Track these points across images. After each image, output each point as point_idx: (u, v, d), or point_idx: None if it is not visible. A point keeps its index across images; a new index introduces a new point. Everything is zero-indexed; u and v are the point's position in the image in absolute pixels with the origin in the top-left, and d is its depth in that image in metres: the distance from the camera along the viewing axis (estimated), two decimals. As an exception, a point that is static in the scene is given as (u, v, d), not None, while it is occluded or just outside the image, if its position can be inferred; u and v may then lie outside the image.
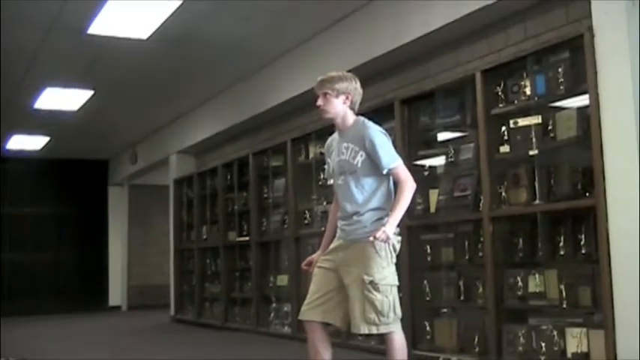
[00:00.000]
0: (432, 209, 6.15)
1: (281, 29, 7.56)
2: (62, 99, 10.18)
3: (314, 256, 4.01)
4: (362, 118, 3.84)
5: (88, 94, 9.97)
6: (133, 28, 7.35)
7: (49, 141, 13.16)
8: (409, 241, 6.16)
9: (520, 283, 5.26)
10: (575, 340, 4.83)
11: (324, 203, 7.71)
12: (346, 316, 3.68)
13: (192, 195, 11.36)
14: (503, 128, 5.43)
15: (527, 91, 5.29)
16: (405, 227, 6.09)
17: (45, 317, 12.76)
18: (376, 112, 6.59)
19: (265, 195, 9.15)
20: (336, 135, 3.91)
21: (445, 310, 6.09)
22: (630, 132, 4.45)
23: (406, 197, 3.64)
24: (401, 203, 3.62)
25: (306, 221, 8.08)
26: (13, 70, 8.58)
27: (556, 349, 4.93)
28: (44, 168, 14.66)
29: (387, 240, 3.52)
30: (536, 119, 5.17)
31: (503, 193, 5.45)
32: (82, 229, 15.21)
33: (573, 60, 4.96)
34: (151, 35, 7.49)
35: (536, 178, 5.17)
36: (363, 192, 3.70)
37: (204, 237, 10.94)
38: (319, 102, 3.81)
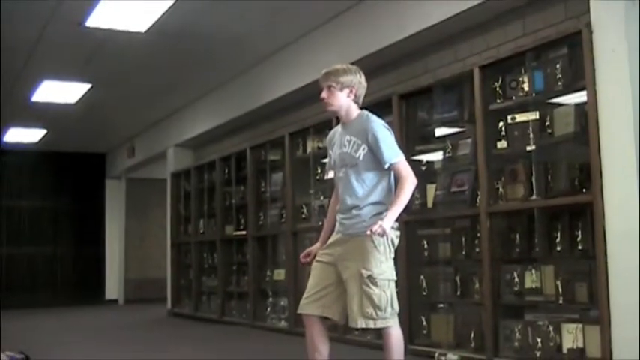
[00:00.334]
0: (430, 204, 6.16)
1: (279, 24, 7.56)
2: (60, 92, 10.17)
3: (312, 247, 4.00)
4: (366, 112, 3.84)
5: (85, 87, 9.97)
6: (131, 21, 7.34)
7: (47, 134, 13.15)
8: (406, 236, 6.16)
9: (517, 279, 5.27)
10: (570, 335, 4.84)
11: (322, 198, 7.72)
12: (344, 310, 3.67)
13: (190, 189, 11.35)
14: (501, 124, 5.43)
15: (525, 87, 5.29)
16: (403, 222, 6.07)
17: (42, 310, 12.76)
18: (374, 107, 6.55)
19: (263, 189, 9.16)
20: (339, 127, 3.90)
21: (442, 305, 6.10)
22: (627, 129, 4.45)
23: (406, 193, 3.63)
24: (400, 198, 3.61)
25: (303, 216, 8.08)
26: (10, 62, 8.56)
27: (552, 344, 4.95)
28: (41, 161, 14.68)
29: (383, 234, 3.51)
30: (533, 115, 5.18)
31: (501, 189, 5.45)
32: (79, 222, 15.22)
33: (571, 56, 4.96)
34: (149, 28, 7.48)
35: (534, 174, 5.18)
36: (364, 186, 3.69)
37: (202, 231, 10.94)
38: (323, 94, 3.79)
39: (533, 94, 5.22)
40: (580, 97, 4.85)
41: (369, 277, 3.57)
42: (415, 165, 6.26)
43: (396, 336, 3.68)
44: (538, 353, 5.02)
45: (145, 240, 15.27)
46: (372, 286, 3.57)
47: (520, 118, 5.26)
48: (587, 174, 4.75)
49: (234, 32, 7.79)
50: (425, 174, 6.27)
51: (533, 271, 5.16)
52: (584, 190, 4.82)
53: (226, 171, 10.13)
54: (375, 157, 3.68)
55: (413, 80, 6.66)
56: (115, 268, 15.29)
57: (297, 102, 8.57)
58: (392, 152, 3.69)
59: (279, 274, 8.57)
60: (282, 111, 9.03)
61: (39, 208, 14.95)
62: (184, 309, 11.33)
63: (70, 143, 14.28)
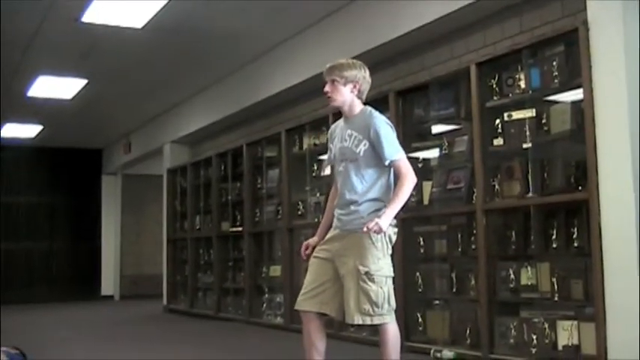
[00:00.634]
0: (426, 201, 6.16)
1: (276, 20, 7.55)
2: (56, 87, 10.15)
3: (310, 240, 4.00)
4: (369, 108, 3.82)
5: (82, 82, 9.95)
6: (128, 17, 7.33)
7: (43, 129, 13.13)
8: (402, 233, 6.13)
9: (512, 276, 5.27)
10: (566, 332, 4.85)
11: (318, 194, 7.72)
12: (342, 306, 3.66)
13: (186, 185, 11.36)
14: (498, 121, 5.44)
15: (522, 84, 5.29)
16: (399, 219, 6.08)
17: (38, 306, 12.76)
18: (371, 104, 6.59)
19: (259, 185, 9.15)
20: (341, 121, 3.89)
21: (437, 302, 6.10)
22: (623, 126, 4.46)
23: (405, 190, 3.62)
24: (399, 196, 3.60)
25: (299, 212, 8.08)
26: (6, 58, 8.54)
27: (547, 341, 4.96)
28: (38, 157, 14.66)
29: (379, 232, 3.51)
30: (530, 112, 5.18)
31: (497, 186, 5.46)
32: (75, 218, 15.20)
33: (568, 54, 4.96)
34: (146, 25, 7.47)
35: (530, 171, 5.19)
36: (363, 181, 3.68)
37: (198, 227, 10.94)
38: (326, 88, 3.78)
39: (530, 92, 5.22)
40: (576, 94, 4.85)
41: (367, 273, 3.57)
42: (411, 162, 6.18)
43: (392, 332, 3.68)
44: (533, 350, 5.03)
45: (140, 236, 15.28)
46: (369, 283, 3.57)
47: (516, 115, 5.26)
48: (583, 171, 4.75)
49: (231, 29, 7.78)
50: (421, 171, 6.26)
51: (529, 268, 5.17)
52: (580, 188, 4.83)
53: (222, 167, 10.13)
54: (376, 153, 3.66)
55: (409, 77, 6.66)
56: (111, 264, 15.27)
57: (293, 99, 8.57)
58: (393, 149, 3.68)
59: (275, 270, 8.57)
60: (278, 107, 9.02)
61: (35, 203, 14.92)
62: (180, 305, 11.34)
63: (66, 139, 14.26)
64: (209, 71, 9.54)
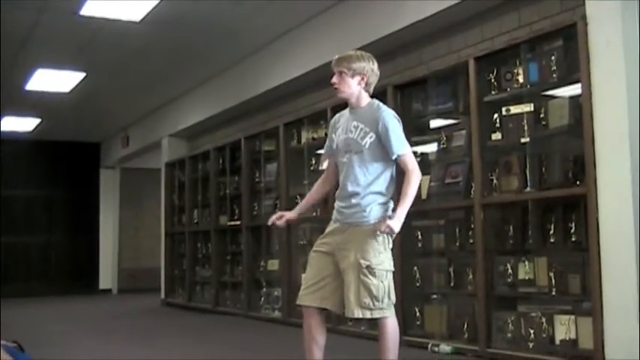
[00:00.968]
0: (424, 196, 6.15)
1: (274, 13, 7.53)
2: (54, 81, 10.15)
3: (285, 212, 3.98)
4: (377, 101, 3.82)
5: (80, 76, 9.94)
6: (126, 10, 7.32)
7: (41, 123, 13.12)
8: (401, 227, 6.17)
9: (510, 271, 5.29)
10: (563, 327, 4.87)
11: (316, 188, 7.71)
12: (342, 301, 3.66)
13: (184, 178, 11.35)
14: (496, 116, 5.44)
15: (520, 78, 5.29)
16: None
17: (36, 300, 12.77)
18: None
19: (257, 179, 9.15)
20: (346, 112, 3.86)
21: (435, 296, 6.11)
22: (622, 121, 4.46)
23: (413, 187, 3.63)
24: (408, 194, 3.60)
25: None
26: (4, 51, 8.52)
27: (544, 335, 4.97)
28: (35, 150, 14.64)
29: (391, 233, 3.55)
30: (528, 107, 5.18)
31: (495, 181, 5.46)
32: (73, 211, 15.19)
33: (566, 49, 4.96)
34: (144, 18, 7.46)
35: (528, 165, 5.19)
36: (367, 174, 3.67)
37: (196, 221, 10.94)
38: (334, 80, 3.76)
39: (528, 86, 5.22)
40: (575, 89, 4.86)
41: (368, 267, 3.56)
42: (410, 156, 6.27)
43: (392, 327, 3.68)
44: (531, 344, 5.04)
45: (138, 230, 15.28)
46: (370, 277, 3.56)
47: (515, 110, 5.27)
48: (581, 166, 4.76)
49: (229, 22, 7.77)
50: (419, 165, 6.23)
51: (527, 263, 5.17)
52: (578, 183, 4.83)
53: (221, 161, 10.12)
54: (382, 147, 3.66)
55: (408, 71, 6.66)
56: (109, 257, 15.27)
57: (291, 92, 8.56)
58: (400, 144, 3.67)
59: (273, 264, 8.57)
60: (276, 101, 9.02)
61: (33, 197, 14.91)
62: (178, 299, 11.34)
63: (64, 132, 14.24)
64: (207, 65, 9.53)
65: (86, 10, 7.20)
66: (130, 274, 15.13)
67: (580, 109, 4.75)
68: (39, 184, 14.96)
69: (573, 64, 4.85)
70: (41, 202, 15.02)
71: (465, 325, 5.66)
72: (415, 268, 6.19)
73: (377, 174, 3.68)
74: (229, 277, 9.78)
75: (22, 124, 13.21)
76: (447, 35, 6.32)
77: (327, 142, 4.00)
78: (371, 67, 3.76)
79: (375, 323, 3.74)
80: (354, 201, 3.67)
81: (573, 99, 4.92)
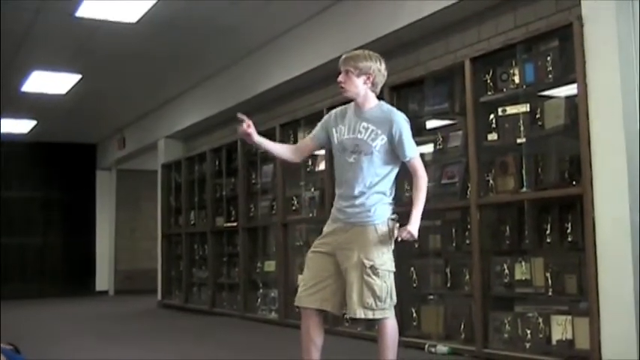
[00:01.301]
0: (420, 196, 6.15)
1: (271, 14, 7.53)
2: (50, 82, 10.13)
3: (254, 134, 3.92)
4: (385, 103, 3.84)
5: (76, 77, 9.93)
6: (122, 12, 7.31)
7: (37, 124, 13.10)
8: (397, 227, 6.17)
9: (506, 271, 5.28)
10: (560, 327, 4.87)
11: (312, 190, 7.72)
12: (342, 302, 3.66)
13: (181, 180, 11.33)
14: (492, 116, 5.44)
15: (516, 79, 5.29)
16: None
17: (32, 302, 12.74)
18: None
19: (253, 181, 9.15)
20: (348, 110, 3.82)
21: (432, 296, 6.12)
22: (617, 121, 4.46)
23: (424, 191, 3.70)
24: (421, 199, 3.68)
25: (294, 207, 8.08)
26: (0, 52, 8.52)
27: (541, 336, 4.97)
28: (32, 152, 14.61)
29: (412, 239, 3.64)
30: (524, 107, 5.19)
31: (491, 181, 5.46)
32: (69, 213, 15.17)
33: (562, 49, 4.96)
34: (140, 19, 7.46)
35: (524, 166, 5.19)
36: (375, 175, 3.66)
37: (192, 222, 10.93)
38: (340, 78, 3.75)
39: (524, 87, 5.22)
40: (571, 89, 4.86)
41: (372, 267, 3.57)
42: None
43: (392, 327, 3.69)
44: (527, 345, 5.04)
45: (135, 231, 15.26)
46: (374, 277, 3.57)
47: (511, 110, 5.27)
48: (577, 166, 4.76)
49: (226, 23, 7.77)
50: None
51: (523, 263, 5.17)
52: (574, 183, 4.84)
53: (217, 162, 10.12)
54: (391, 150, 3.67)
55: (404, 72, 6.66)
56: (106, 259, 15.26)
57: (288, 93, 8.56)
58: (412, 148, 3.71)
59: (270, 265, 8.57)
60: (273, 102, 9.01)
61: (29, 199, 14.88)
62: (175, 300, 11.33)
63: (60, 134, 14.23)
64: (203, 66, 9.52)
65: (82, 12, 7.20)
66: (127, 276, 15.10)
67: (576, 110, 4.76)
68: (35, 185, 14.94)
69: (569, 64, 4.85)
70: (37, 203, 15.00)
71: (462, 326, 5.66)
72: (412, 268, 6.18)
73: (384, 175, 3.70)
74: (226, 279, 9.77)
75: (18, 126, 13.18)
76: (443, 36, 6.33)
77: (317, 129, 3.94)
78: (377, 67, 3.75)
79: (373, 324, 3.74)
80: (358, 201, 3.66)
81: (569, 99, 4.92)
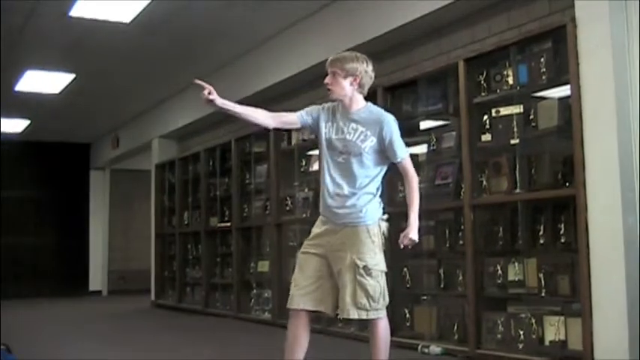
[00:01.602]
0: (414, 197, 6.16)
1: (265, 15, 7.53)
2: (43, 82, 10.11)
3: (217, 98, 3.86)
4: (373, 104, 3.84)
5: (69, 77, 9.91)
6: (116, 12, 7.30)
7: (30, 124, 13.07)
8: (390, 228, 6.16)
9: (500, 272, 5.29)
10: (553, 328, 4.88)
11: (306, 190, 7.72)
12: (335, 303, 3.66)
13: (174, 180, 11.33)
14: (485, 117, 5.45)
15: (510, 80, 5.30)
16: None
17: (24, 302, 12.69)
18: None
19: (247, 181, 9.15)
20: (338, 112, 3.81)
21: (425, 297, 6.12)
22: (610, 123, 4.48)
23: (417, 192, 3.72)
24: (416, 199, 3.70)
25: (287, 208, 8.08)
26: (-7, 52, 8.51)
27: (534, 336, 4.98)
28: (25, 151, 14.55)
29: (414, 243, 3.67)
30: (518, 108, 5.20)
31: (485, 182, 5.47)
32: (62, 213, 15.11)
33: (556, 50, 4.97)
34: (134, 19, 7.45)
35: (517, 167, 5.20)
36: (365, 176, 3.68)
37: (186, 222, 10.93)
38: (327, 80, 3.76)
39: (518, 88, 5.23)
40: (564, 90, 4.88)
41: (365, 267, 3.57)
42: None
43: (384, 327, 3.70)
44: (520, 345, 5.05)
45: (128, 231, 15.24)
46: (367, 277, 3.57)
47: (504, 111, 5.28)
48: (570, 167, 4.77)
49: (220, 24, 7.76)
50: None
51: (516, 264, 5.18)
52: (567, 184, 4.85)
53: (211, 162, 10.11)
54: (380, 151, 3.69)
55: (398, 73, 6.66)
56: (99, 259, 15.23)
57: (282, 93, 8.55)
58: (403, 149, 3.73)
59: (264, 265, 8.57)
60: (267, 102, 8.98)
61: (22, 198, 14.82)
62: (168, 300, 11.32)
63: (53, 133, 14.19)
64: (197, 66, 9.50)
65: (76, 12, 7.18)
66: (120, 276, 15.08)
67: (569, 111, 4.77)
68: (28, 185, 14.87)
69: (562, 65, 4.86)
70: (30, 203, 14.94)
71: (455, 326, 5.67)
72: (405, 269, 6.19)
73: (373, 176, 3.71)
74: (219, 279, 9.76)
75: (12, 126, 13.13)
76: (436, 37, 6.33)
77: (305, 111, 3.87)
78: (364, 69, 3.74)
79: (365, 324, 3.74)
80: (350, 202, 3.66)
81: (562, 100, 4.94)
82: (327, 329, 6.54)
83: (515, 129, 5.18)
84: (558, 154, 5.00)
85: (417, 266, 6.13)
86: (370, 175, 3.69)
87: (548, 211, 5.08)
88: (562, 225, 4.97)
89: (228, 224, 9.41)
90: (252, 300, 8.79)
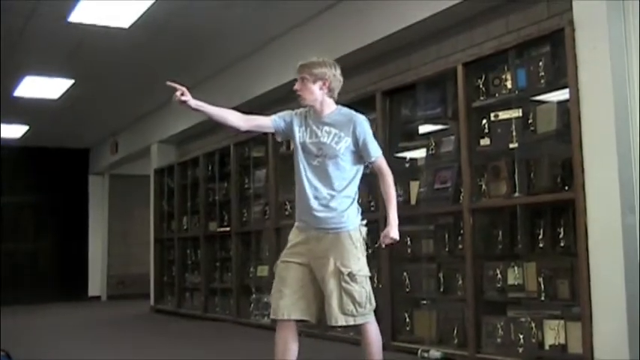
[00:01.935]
0: (413, 201, 6.17)
1: (264, 18, 7.54)
2: (42, 87, 10.10)
3: (190, 100, 3.93)
4: (344, 107, 3.84)
5: (68, 82, 9.91)
6: (115, 17, 7.30)
7: (29, 129, 13.07)
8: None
9: (499, 276, 5.29)
10: (552, 332, 4.87)
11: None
12: (319, 310, 3.65)
13: (173, 185, 11.33)
14: (484, 121, 5.45)
15: (508, 84, 5.31)
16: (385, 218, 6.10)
17: (23, 308, 12.68)
18: (358, 104, 6.58)
19: (246, 185, 9.15)
20: (309, 117, 3.83)
21: (425, 301, 6.11)
22: (609, 126, 4.48)
23: (393, 189, 3.73)
24: (393, 196, 3.72)
25: (286, 212, 8.07)
26: (-8, 57, 8.51)
27: (534, 340, 4.97)
28: (24, 156, 14.55)
29: (395, 242, 3.69)
30: (516, 112, 5.20)
31: (484, 186, 5.47)
32: (61, 218, 15.11)
33: (554, 54, 4.98)
34: (133, 24, 7.45)
35: (516, 170, 5.20)
36: (342, 178, 3.68)
37: (185, 227, 10.92)
38: (296, 86, 3.80)
39: (516, 92, 5.24)
40: (562, 94, 4.88)
41: (349, 274, 3.57)
42: (399, 162, 6.29)
43: (375, 331, 3.71)
44: (520, 349, 5.05)
45: (128, 236, 15.22)
46: (352, 283, 3.57)
47: (503, 115, 5.28)
48: (569, 171, 4.77)
49: (219, 28, 7.77)
50: (408, 171, 6.29)
51: (516, 268, 5.18)
52: (566, 187, 4.84)
53: (210, 167, 10.11)
54: (354, 151, 3.70)
55: (396, 77, 6.67)
56: (98, 264, 15.22)
57: (280, 98, 8.53)
58: (376, 147, 3.74)
59: (263, 270, 8.56)
60: (265, 107, 8.99)
61: (21, 203, 14.81)
62: (167, 305, 11.31)
63: (52, 139, 14.19)
64: (196, 71, 9.51)
65: (75, 17, 7.18)
66: (119, 281, 15.07)
67: (568, 114, 4.77)
68: (27, 190, 14.87)
69: (561, 69, 4.87)
70: (29, 208, 14.94)
71: (455, 331, 5.66)
72: (404, 273, 6.19)
73: (350, 178, 3.72)
74: (219, 284, 9.75)
75: (10, 131, 13.12)
76: (435, 41, 6.34)
77: (279, 116, 3.95)
78: (333, 73, 3.76)
79: (359, 329, 3.74)
80: (331, 205, 3.66)
81: (561, 104, 4.94)
82: (326, 334, 6.52)
83: (514, 133, 5.18)
84: (557, 157, 5.00)
85: (417, 270, 6.13)
86: (347, 177, 3.70)
87: (548, 214, 5.08)
88: (561, 229, 4.97)
89: (228, 229, 9.40)
90: (252, 305, 8.78)
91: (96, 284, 15.21)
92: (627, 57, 4.58)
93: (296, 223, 3.85)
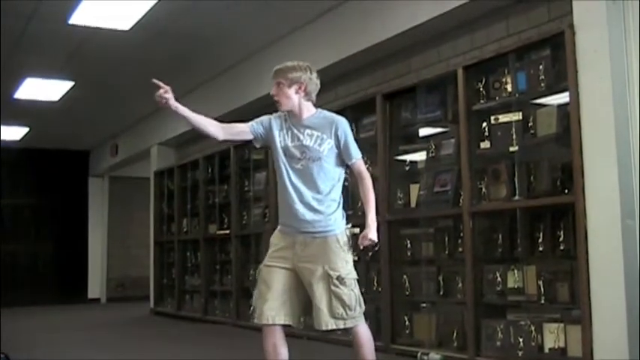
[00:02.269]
0: (413, 204, 6.17)
1: (264, 22, 7.54)
2: (42, 89, 10.11)
3: (172, 100, 3.99)
4: (323, 110, 3.83)
5: (68, 84, 9.92)
6: (115, 19, 7.31)
7: (29, 131, 13.07)
8: (389, 235, 6.18)
9: (499, 279, 5.29)
10: (552, 335, 4.87)
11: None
12: (304, 315, 3.65)
13: (173, 187, 11.33)
14: (484, 124, 5.45)
15: (509, 87, 5.30)
16: (386, 222, 6.11)
17: (23, 309, 12.67)
18: (358, 107, 6.61)
19: (246, 188, 9.15)
20: (288, 121, 3.79)
21: (424, 304, 6.11)
22: (609, 130, 4.48)
23: (373, 191, 3.72)
24: (372, 199, 3.70)
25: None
26: (-8, 59, 8.51)
27: (534, 344, 4.97)
28: (24, 159, 14.55)
29: (374, 244, 3.62)
30: (516, 116, 5.20)
31: (484, 189, 5.47)
32: (61, 220, 15.10)
33: (554, 57, 4.98)
34: (133, 26, 7.45)
35: (516, 174, 5.20)
36: (326, 181, 3.66)
37: (185, 229, 10.92)
38: (272, 91, 3.78)
39: (516, 95, 5.23)
40: (562, 97, 4.88)
41: (338, 277, 3.55)
42: (398, 165, 6.30)
43: (366, 333, 3.70)
44: (520, 353, 5.04)
45: (127, 239, 15.21)
46: (341, 287, 3.55)
47: (503, 118, 5.28)
48: (569, 174, 4.77)
49: (219, 30, 7.77)
50: (408, 174, 6.29)
51: (516, 271, 5.18)
52: (566, 191, 4.85)
53: (210, 170, 10.11)
54: (336, 153, 3.70)
55: (397, 80, 6.67)
56: (98, 266, 15.21)
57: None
58: (356, 149, 3.74)
59: (263, 273, 8.54)
60: (264, 109, 8.96)
61: (21, 205, 14.82)
62: (167, 308, 11.30)
63: (52, 141, 14.19)
64: (196, 73, 9.52)
65: (75, 19, 7.18)
66: (119, 283, 15.07)
67: (568, 118, 4.77)
68: (27, 192, 14.87)
69: (561, 72, 4.87)
70: (29, 210, 14.93)
71: (455, 334, 5.66)
72: (404, 276, 6.19)
73: (334, 180, 3.71)
74: (218, 286, 9.75)
75: (11, 133, 13.13)
76: (435, 44, 6.34)
77: (256, 122, 3.89)
78: (308, 77, 3.74)
79: (350, 332, 3.73)
80: (317, 208, 3.64)
81: (561, 107, 4.94)
82: (325, 336, 6.51)
83: (514, 136, 5.18)
84: (557, 161, 5.00)
85: (417, 273, 6.12)
86: (331, 179, 3.69)
87: (547, 218, 5.08)
88: (561, 232, 4.97)
89: (227, 231, 9.40)
90: (252, 307, 8.75)
91: (95, 286, 15.20)
92: (627, 60, 4.58)
93: (279, 227, 3.82)
